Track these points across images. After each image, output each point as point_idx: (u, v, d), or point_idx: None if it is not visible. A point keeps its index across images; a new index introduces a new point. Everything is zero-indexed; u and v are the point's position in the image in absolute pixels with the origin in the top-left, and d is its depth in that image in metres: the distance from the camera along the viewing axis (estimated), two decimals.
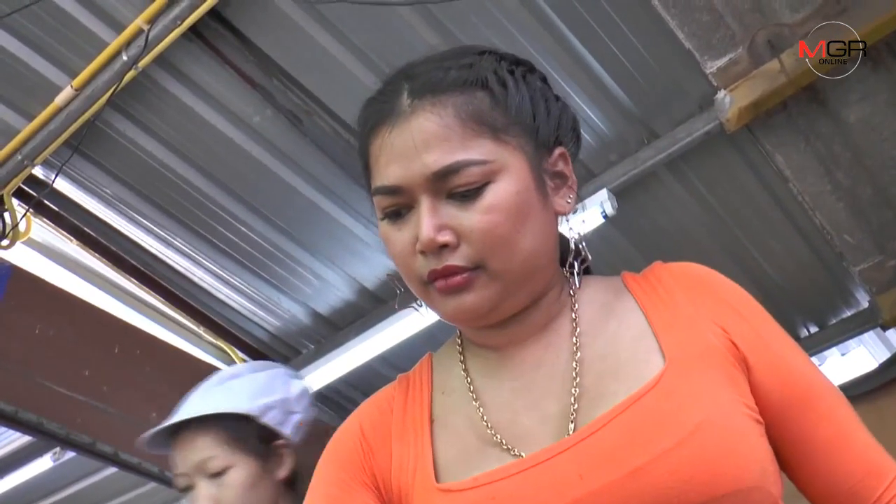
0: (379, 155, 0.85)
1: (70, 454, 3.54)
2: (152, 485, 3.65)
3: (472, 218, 0.81)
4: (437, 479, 0.85)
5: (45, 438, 3.10)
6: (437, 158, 0.81)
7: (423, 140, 0.81)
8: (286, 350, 3.62)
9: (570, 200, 0.90)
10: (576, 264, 0.94)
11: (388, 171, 0.83)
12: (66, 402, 2.87)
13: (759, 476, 0.76)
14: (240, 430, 1.50)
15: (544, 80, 0.94)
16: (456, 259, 0.81)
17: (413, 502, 0.87)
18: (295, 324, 3.50)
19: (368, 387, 3.56)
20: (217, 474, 1.47)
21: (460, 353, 0.95)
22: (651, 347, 0.84)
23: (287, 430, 1.56)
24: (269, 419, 1.54)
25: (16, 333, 2.76)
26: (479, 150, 0.82)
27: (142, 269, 3.23)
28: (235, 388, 1.57)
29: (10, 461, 3.86)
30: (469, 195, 0.81)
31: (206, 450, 1.48)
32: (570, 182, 0.91)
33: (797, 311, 3.40)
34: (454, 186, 0.81)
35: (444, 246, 0.81)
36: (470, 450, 0.86)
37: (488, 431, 0.85)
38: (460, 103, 0.83)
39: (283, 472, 1.54)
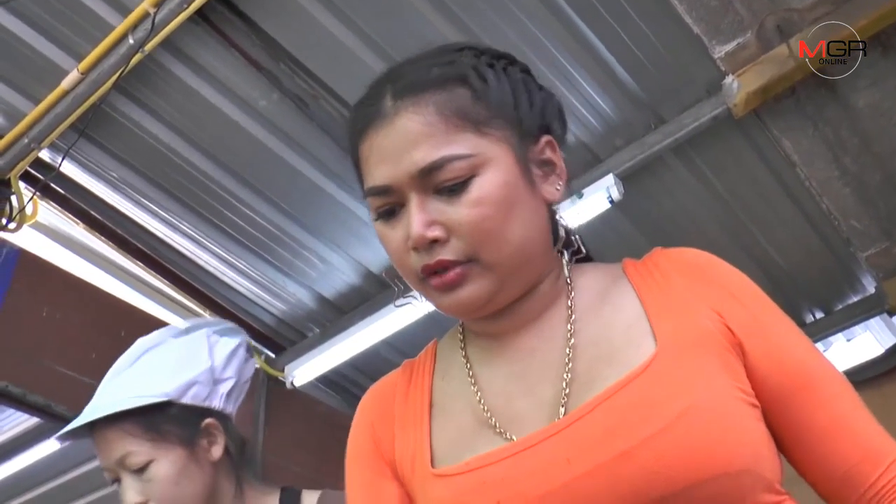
0: (368, 157, 0.87)
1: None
2: None
3: (459, 212, 0.82)
4: (433, 463, 0.87)
5: (52, 421, 3.12)
6: (423, 156, 0.82)
7: (407, 139, 0.83)
8: (291, 334, 3.63)
9: (559, 188, 0.91)
10: (566, 253, 0.96)
11: (378, 172, 0.86)
12: (74, 385, 2.89)
13: (750, 460, 0.76)
14: (157, 418, 1.35)
15: (527, 71, 0.95)
16: (447, 253, 0.83)
17: (414, 487, 0.88)
18: (300, 307, 3.52)
19: (374, 371, 3.57)
20: (140, 469, 1.34)
21: (461, 341, 0.97)
22: (644, 333, 0.85)
23: (215, 403, 1.42)
24: (191, 398, 1.39)
25: (23, 317, 2.77)
26: (463, 144, 0.83)
27: (148, 252, 3.24)
28: (154, 363, 1.42)
29: (18, 443, 3.89)
30: (456, 189, 0.83)
31: (122, 446, 1.34)
32: (558, 170, 0.92)
33: (803, 297, 3.40)
34: (441, 182, 0.83)
35: (435, 241, 0.83)
36: (465, 434, 0.87)
37: (484, 415, 0.87)
38: (441, 101, 0.84)
39: (216, 451, 1.40)
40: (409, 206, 0.84)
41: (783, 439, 0.84)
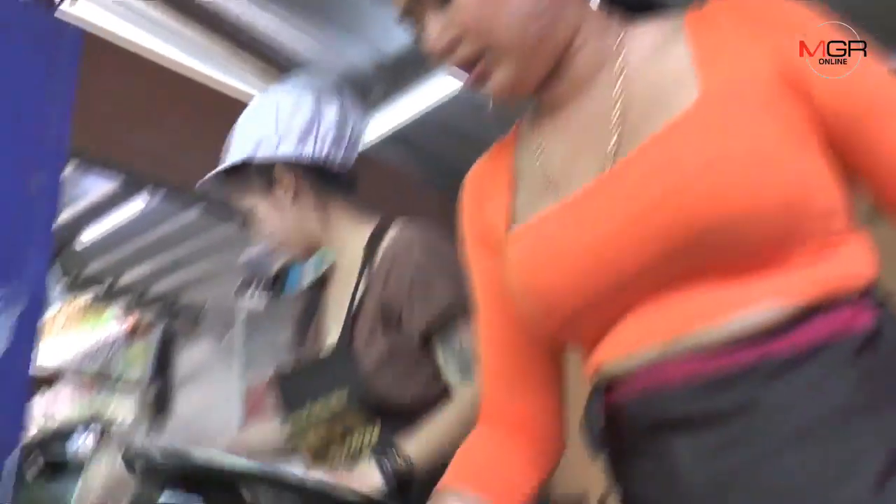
0: None
1: (159, 198, 3.72)
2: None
3: (457, 15, 0.88)
4: (511, 226, 0.97)
5: (134, 183, 3.29)
6: None
7: None
8: (355, 92, 3.61)
9: None
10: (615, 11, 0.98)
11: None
12: (151, 150, 3.02)
13: (791, 198, 0.76)
14: (243, 175, 1.61)
15: None
16: (463, 51, 0.90)
17: (501, 254, 0.98)
18: (361, 67, 3.51)
19: (440, 129, 3.61)
20: (252, 216, 1.64)
21: (535, 114, 1.03)
22: (689, 83, 0.85)
23: (286, 151, 1.58)
24: (262, 153, 1.58)
25: (96, 93, 2.81)
26: None
27: (206, 17, 3.20)
28: (260, 116, 1.61)
29: (105, 205, 4.08)
30: None
31: (241, 195, 1.64)
32: None
33: (887, 39, 3.25)
34: None
35: (451, 46, 0.90)
36: (534, 197, 0.95)
37: (547, 178, 0.94)
38: None
39: (289, 195, 1.60)
40: None
41: (858, 173, 0.84)
